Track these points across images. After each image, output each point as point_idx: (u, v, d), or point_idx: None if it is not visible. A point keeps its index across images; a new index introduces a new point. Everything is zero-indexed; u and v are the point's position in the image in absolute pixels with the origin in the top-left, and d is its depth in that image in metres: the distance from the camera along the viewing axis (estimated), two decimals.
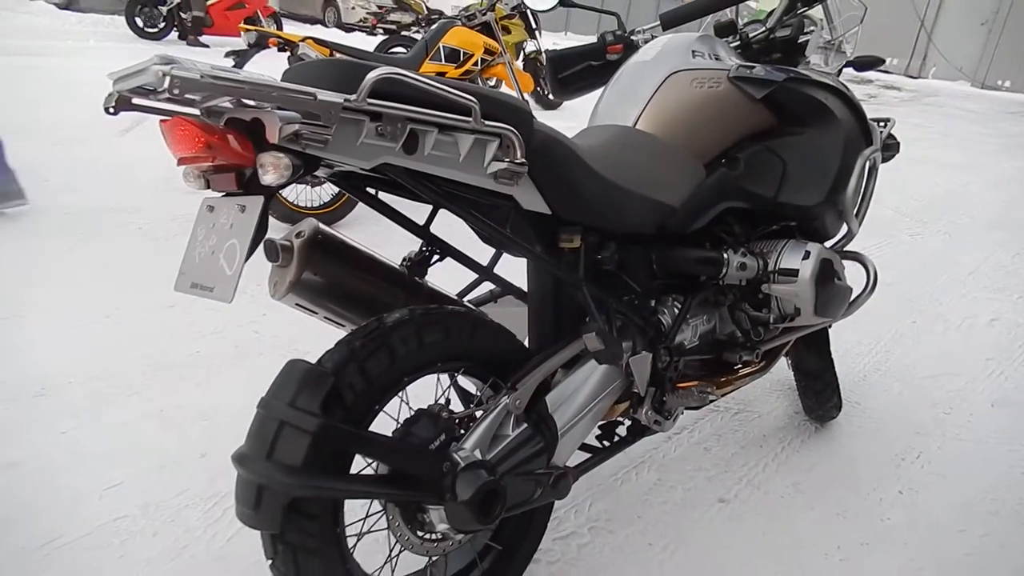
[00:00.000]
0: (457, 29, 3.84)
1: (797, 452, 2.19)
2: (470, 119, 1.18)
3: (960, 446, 2.28)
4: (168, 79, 0.95)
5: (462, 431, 1.36)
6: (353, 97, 1.08)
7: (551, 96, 2.11)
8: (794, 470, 2.10)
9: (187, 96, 1.05)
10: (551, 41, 8.88)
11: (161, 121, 1.15)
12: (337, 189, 3.68)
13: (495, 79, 4.14)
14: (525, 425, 1.39)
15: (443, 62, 3.92)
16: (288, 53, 3.42)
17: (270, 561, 1.26)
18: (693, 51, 1.73)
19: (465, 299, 1.71)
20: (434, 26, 3.93)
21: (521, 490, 1.36)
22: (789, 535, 1.83)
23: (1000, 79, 15.86)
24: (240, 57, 3.38)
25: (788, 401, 2.43)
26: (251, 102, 1.10)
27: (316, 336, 1.63)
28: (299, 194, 3.62)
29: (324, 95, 1.07)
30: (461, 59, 3.93)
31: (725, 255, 1.64)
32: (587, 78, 2.04)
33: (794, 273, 1.63)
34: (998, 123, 10.69)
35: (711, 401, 1.67)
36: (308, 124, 1.08)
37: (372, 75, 1.09)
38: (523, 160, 1.24)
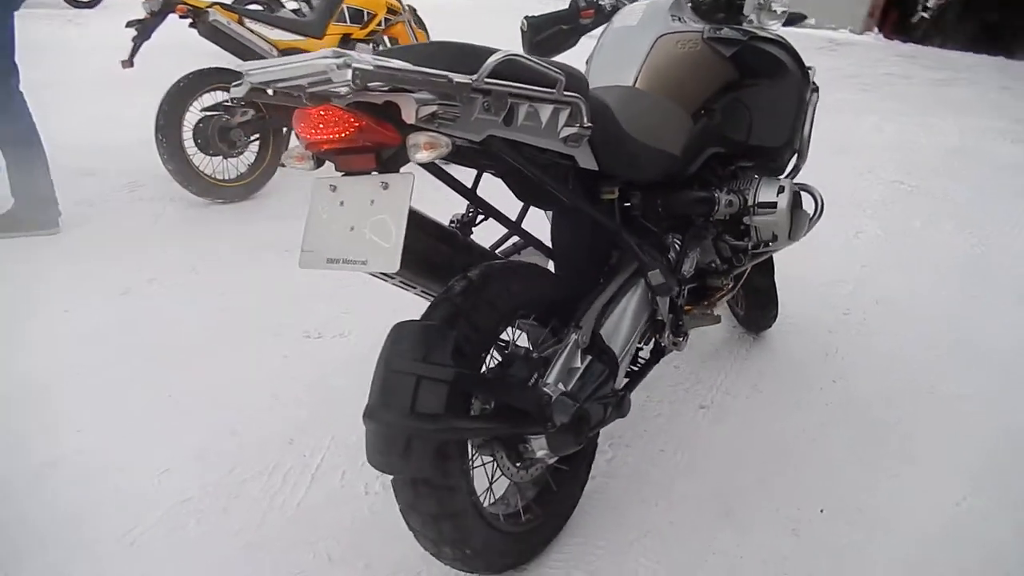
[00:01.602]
0: None
1: (747, 359, 2.53)
2: (554, 91, 1.34)
3: (864, 339, 2.71)
4: (351, 71, 1.04)
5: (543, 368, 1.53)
6: (475, 77, 1.20)
7: None
8: (750, 374, 2.44)
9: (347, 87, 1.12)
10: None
11: (299, 110, 1.21)
12: (254, 160, 3.60)
13: (394, 38, 4.13)
14: (590, 357, 1.58)
15: (348, 23, 3.88)
16: (190, 20, 3.27)
17: (408, 506, 1.39)
18: (671, 15, 1.94)
19: (496, 252, 1.86)
20: None
21: (597, 412, 1.56)
22: (762, 427, 2.16)
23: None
24: (143, 26, 3.19)
25: (723, 319, 2.78)
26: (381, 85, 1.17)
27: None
28: (216, 167, 3.52)
29: (457, 77, 1.18)
30: (365, 19, 3.90)
31: (716, 194, 1.89)
32: (558, 40, 2.19)
33: (772, 206, 1.92)
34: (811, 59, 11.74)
35: (716, 320, 1.95)
36: (443, 104, 1.19)
37: (494, 58, 1.22)
38: (589, 124, 1.41)
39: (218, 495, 1.80)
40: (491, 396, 1.44)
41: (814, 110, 2.08)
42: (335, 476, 1.88)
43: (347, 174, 1.32)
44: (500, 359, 1.54)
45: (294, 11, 4.47)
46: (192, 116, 3.34)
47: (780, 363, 2.53)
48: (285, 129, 3.61)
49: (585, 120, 1.40)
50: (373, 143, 1.21)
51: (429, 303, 1.43)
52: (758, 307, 2.55)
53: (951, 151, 5.21)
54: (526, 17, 2.14)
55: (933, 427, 2.18)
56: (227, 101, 3.39)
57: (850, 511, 1.83)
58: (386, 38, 4.07)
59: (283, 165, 1.43)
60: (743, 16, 2.10)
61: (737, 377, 2.43)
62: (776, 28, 2.07)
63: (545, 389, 1.47)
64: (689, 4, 2.07)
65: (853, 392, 2.36)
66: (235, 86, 1.26)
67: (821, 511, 1.84)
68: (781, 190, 1.93)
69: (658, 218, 1.87)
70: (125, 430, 2.02)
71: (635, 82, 1.87)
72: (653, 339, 1.88)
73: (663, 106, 1.82)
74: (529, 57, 1.29)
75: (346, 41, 3.82)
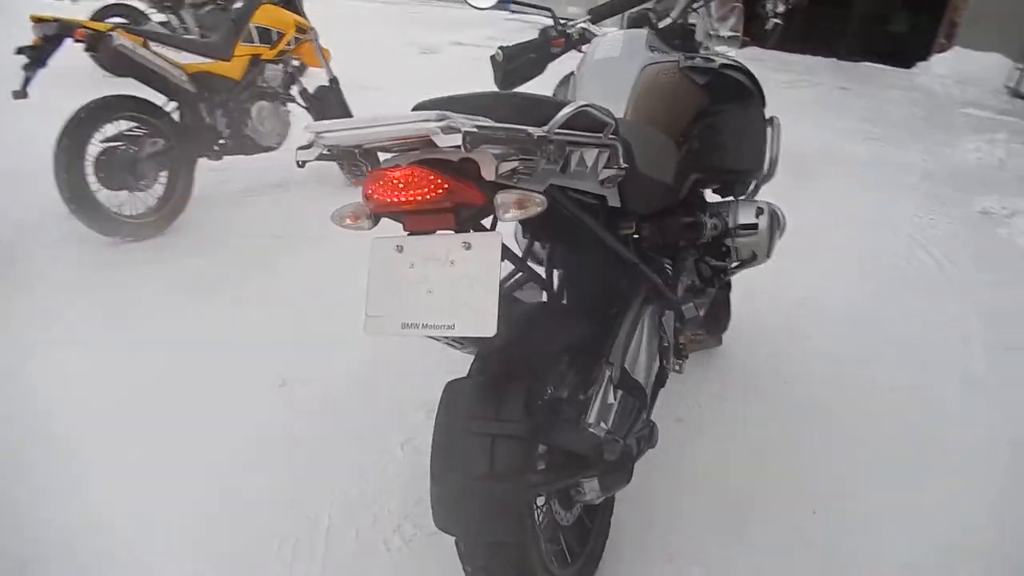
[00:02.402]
0: (266, 7, 3.60)
1: (707, 368, 2.62)
2: (602, 135, 1.33)
3: (799, 339, 2.88)
4: (461, 135, 0.99)
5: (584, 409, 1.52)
6: (548, 129, 1.18)
7: (498, 86, 2.20)
8: (712, 384, 2.52)
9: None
10: None
11: (375, 171, 1.13)
12: (163, 192, 3.33)
13: (301, 58, 3.95)
14: (621, 392, 1.58)
15: (257, 43, 3.67)
16: (87, 46, 2.96)
17: (480, 568, 1.34)
18: (649, 45, 1.97)
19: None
20: (239, 4, 3.63)
21: (635, 446, 1.56)
22: (740, 436, 2.25)
23: None
24: (36, 53, 2.85)
25: None
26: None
27: None
28: (123, 203, 3.21)
29: (534, 131, 1.15)
30: (274, 39, 3.70)
31: (702, 219, 1.95)
32: (527, 69, 2.18)
33: (754, 227, 2.00)
34: None
35: (718, 343, 2.01)
36: (523, 159, 1.15)
37: (569, 110, 1.21)
38: (625, 165, 1.41)
39: None
40: (559, 446, 1.41)
41: (779, 132, 2.17)
42: (349, 536, 1.78)
43: (411, 233, 1.25)
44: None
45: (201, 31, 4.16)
46: (94, 148, 3.03)
47: (734, 369, 2.63)
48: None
49: (621, 161, 1.40)
50: (456, 204, 1.15)
51: (476, 354, 1.38)
52: (716, 318, 2.65)
53: (816, 151, 5.57)
54: (501, 48, 2.11)
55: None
56: (131, 130, 3.11)
57: (840, 508, 1.94)
58: (294, 59, 3.88)
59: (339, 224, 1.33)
60: (697, 43, 2.18)
61: (701, 388, 2.50)
62: (732, 53, 2.16)
63: (592, 430, 1.46)
64: (656, 34, 2.12)
65: (805, 391, 2.50)
66: (303, 149, 1.17)
67: (813, 512, 1.94)
68: (760, 211, 2.01)
69: (656, 247, 1.90)
70: (98, 526, 1.81)
71: (625, 114, 1.89)
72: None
73: (658, 137, 1.85)
74: (592, 104, 1.28)
75: (255, 62, 3.60)
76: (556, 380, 1.50)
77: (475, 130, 1.02)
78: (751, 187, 2.25)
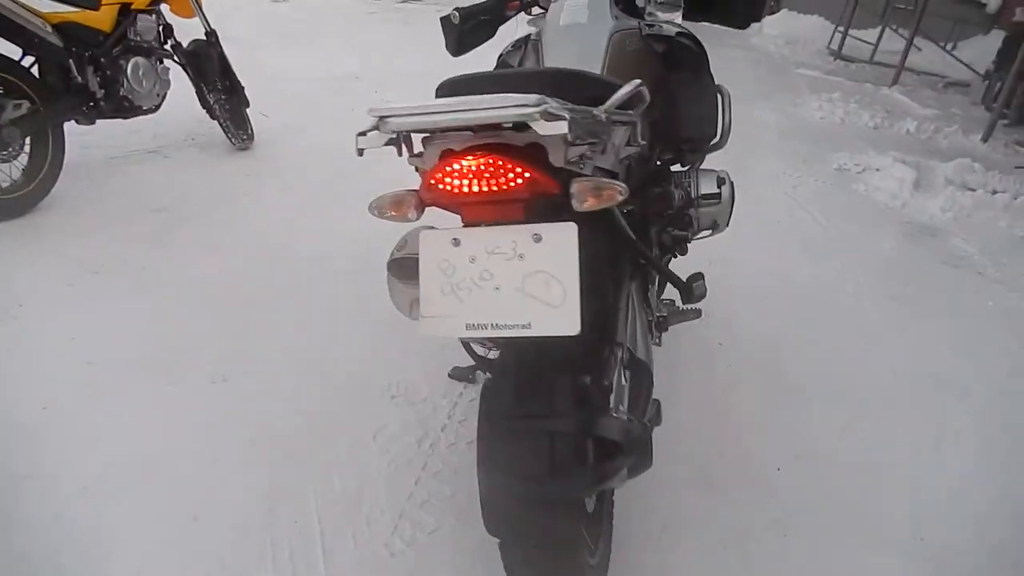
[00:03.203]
0: None
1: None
2: (633, 112, 1.29)
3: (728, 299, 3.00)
4: (567, 123, 0.92)
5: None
6: (606, 108, 1.12)
7: (451, 52, 2.05)
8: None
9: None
10: None
11: (444, 160, 1.01)
12: (28, 164, 2.87)
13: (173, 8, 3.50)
14: (629, 372, 1.56)
15: None
16: None
17: (536, 571, 1.28)
18: (612, 12, 1.91)
19: None
20: None
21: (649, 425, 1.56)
22: (709, 411, 2.30)
23: None
24: None
25: None
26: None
27: None
28: None
29: (599, 112, 1.09)
30: None
31: (670, 189, 1.95)
32: (480, 33, 2.05)
33: (716, 196, 2.02)
34: None
35: (697, 315, 2.03)
36: (589, 143, 1.08)
37: (628, 89, 1.14)
38: (643, 141, 1.38)
39: None
40: (599, 436, 1.36)
41: (729, 101, 2.20)
42: (346, 543, 1.65)
43: (466, 225, 1.14)
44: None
45: None
46: None
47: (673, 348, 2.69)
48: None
49: (640, 138, 1.37)
50: (532, 194, 1.06)
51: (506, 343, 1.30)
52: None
53: None
54: (457, 9, 1.96)
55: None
56: None
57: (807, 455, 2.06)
58: (164, 7, 3.42)
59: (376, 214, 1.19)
60: (640, 8, 2.15)
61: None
62: (677, 20, 2.16)
63: (618, 415, 1.43)
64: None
65: (734, 349, 2.61)
66: (364, 135, 1.01)
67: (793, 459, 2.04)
68: (722, 181, 2.03)
69: (632, 221, 1.87)
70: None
71: (604, 69, 1.83)
72: None
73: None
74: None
75: (125, 12, 3.13)
76: (586, 367, 1.45)
77: (577, 117, 0.94)
78: (701, 156, 2.28)
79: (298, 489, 1.78)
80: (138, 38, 3.20)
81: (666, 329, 1.96)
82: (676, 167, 2.18)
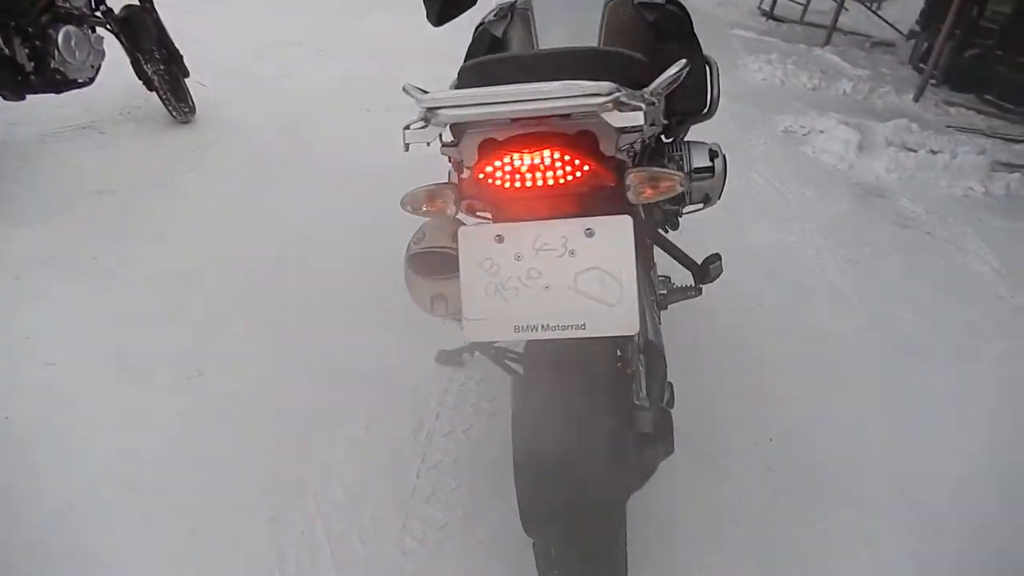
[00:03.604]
0: None
1: None
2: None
3: None
4: (643, 113, 0.86)
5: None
6: (651, 90, 1.07)
7: (431, 21, 1.92)
8: None
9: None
10: None
11: (495, 154, 0.93)
12: None
13: None
14: (644, 356, 1.53)
15: None
16: None
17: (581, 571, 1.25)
18: None
19: None
20: None
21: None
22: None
23: None
24: None
25: None
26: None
27: None
28: None
29: (648, 95, 1.03)
30: None
31: (665, 163, 1.90)
32: (459, 2, 1.94)
33: (710, 170, 1.98)
34: None
35: (698, 293, 2.00)
36: (639, 130, 1.03)
37: (674, 70, 1.09)
38: (665, 121, 1.32)
39: None
40: (643, 429, 1.31)
41: (718, 72, 2.15)
42: (355, 547, 1.59)
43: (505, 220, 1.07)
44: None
45: None
46: None
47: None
48: None
49: (661, 118, 1.32)
50: (592, 187, 0.99)
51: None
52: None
53: None
54: None
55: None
56: None
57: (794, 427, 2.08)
58: None
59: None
60: None
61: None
62: None
63: (641, 403, 1.39)
64: None
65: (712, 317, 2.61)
66: (413, 129, 0.92)
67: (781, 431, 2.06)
68: (715, 154, 1.99)
69: None
70: None
71: (600, 43, 1.76)
72: None
73: None
74: None
75: None
76: (617, 357, 1.40)
77: (650, 104, 0.88)
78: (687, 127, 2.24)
79: (294, 493, 1.69)
80: (67, 4, 2.91)
81: (665, 307, 1.93)
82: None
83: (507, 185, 1.01)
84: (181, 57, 3.52)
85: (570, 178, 0.99)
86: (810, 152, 4.47)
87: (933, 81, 6.25)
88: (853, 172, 4.21)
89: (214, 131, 3.71)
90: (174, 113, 3.55)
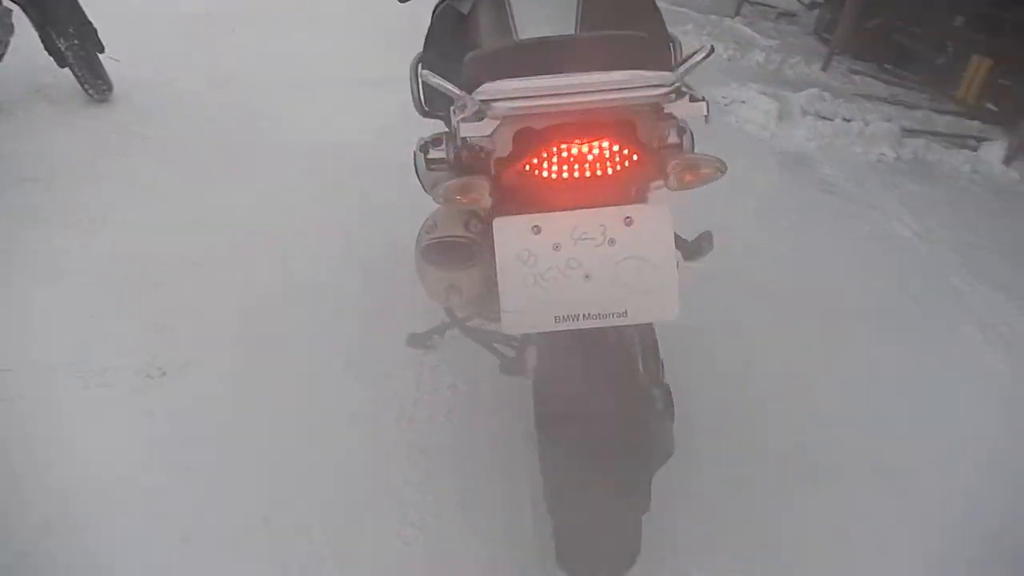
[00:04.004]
0: None
1: None
2: None
3: None
4: (705, 103, 0.87)
5: None
6: (680, 75, 1.08)
7: None
8: None
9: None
10: None
11: (551, 144, 0.91)
12: None
13: None
14: (638, 332, 1.55)
15: None
16: None
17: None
18: None
19: None
20: None
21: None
22: None
23: None
24: None
25: None
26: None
27: None
28: None
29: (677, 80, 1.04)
30: None
31: None
32: None
33: (678, 148, 2.01)
34: None
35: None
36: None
37: (701, 56, 1.10)
38: None
39: None
40: (659, 405, 1.32)
41: (680, 50, 2.16)
42: (357, 541, 1.55)
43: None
44: None
45: None
46: None
47: None
48: None
49: None
50: (639, 176, 0.99)
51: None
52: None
53: None
54: None
55: None
56: None
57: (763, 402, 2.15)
58: None
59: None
60: None
61: None
62: None
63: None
64: None
65: None
66: (468, 121, 0.89)
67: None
68: (683, 131, 2.02)
69: None
70: None
71: (576, 28, 1.75)
72: None
73: None
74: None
75: None
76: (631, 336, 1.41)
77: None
78: None
79: (287, 492, 1.64)
80: None
81: None
82: None
83: (554, 176, 0.99)
84: (95, 31, 3.26)
85: (619, 168, 0.98)
86: (734, 122, 4.59)
87: (837, 51, 6.52)
88: (775, 141, 4.36)
89: (134, 111, 3.47)
90: (90, 91, 3.29)
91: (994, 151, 4.16)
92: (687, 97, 1.01)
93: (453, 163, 2.07)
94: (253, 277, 2.36)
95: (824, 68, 6.07)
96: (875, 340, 2.46)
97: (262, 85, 3.91)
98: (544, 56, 1.07)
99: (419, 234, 1.30)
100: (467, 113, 0.93)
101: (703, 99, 0.89)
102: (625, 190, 1.07)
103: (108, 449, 1.68)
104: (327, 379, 1.97)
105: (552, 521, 1.39)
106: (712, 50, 1.17)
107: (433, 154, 2.09)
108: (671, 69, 1.07)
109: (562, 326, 1.04)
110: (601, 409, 1.14)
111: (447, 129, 2.23)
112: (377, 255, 2.62)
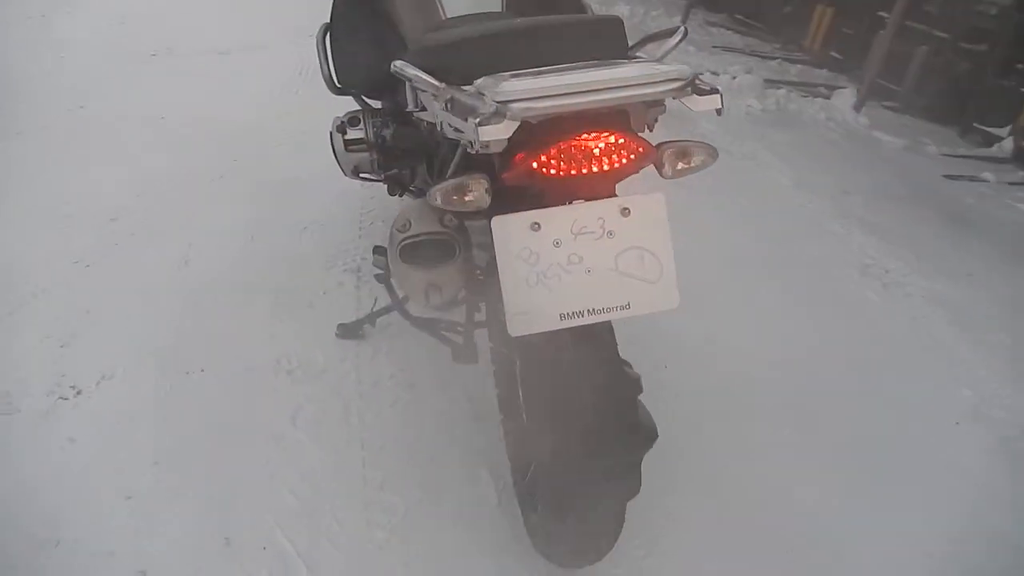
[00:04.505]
0: None
1: None
2: None
3: None
4: (720, 97, 0.88)
5: None
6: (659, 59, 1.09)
7: None
8: None
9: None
10: None
11: (567, 140, 0.89)
12: None
13: None
14: None
15: None
16: None
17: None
18: None
19: None
20: None
21: None
22: None
23: None
24: None
25: None
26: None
27: None
28: None
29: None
30: None
31: None
32: None
33: None
34: None
35: None
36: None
37: (677, 38, 1.12)
38: None
39: None
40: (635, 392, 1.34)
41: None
42: (326, 550, 1.49)
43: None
44: None
45: None
46: None
47: None
48: None
49: None
50: (639, 167, 0.98)
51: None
52: None
53: None
54: None
55: None
56: None
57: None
58: None
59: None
60: None
61: None
62: None
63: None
64: None
65: None
66: (488, 125, 0.83)
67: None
68: None
69: None
70: None
71: (503, 6, 1.69)
72: None
73: None
74: None
75: None
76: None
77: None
78: None
79: (244, 508, 1.54)
80: None
81: None
82: None
83: (562, 173, 0.96)
84: None
85: (625, 161, 0.97)
86: None
87: (694, 3, 6.74)
88: None
89: None
90: None
91: (845, 98, 4.47)
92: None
93: (374, 143, 1.98)
94: (149, 273, 2.17)
95: (683, 21, 6.26)
96: (766, 286, 2.58)
97: (122, 54, 3.55)
98: (534, 45, 1.03)
99: (391, 233, 1.23)
100: (486, 115, 0.87)
101: (717, 91, 0.89)
102: (617, 180, 1.06)
103: (32, 481, 1.51)
104: (259, 381, 1.87)
105: (531, 510, 1.39)
106: (686, 33, 1.18)
107: (351, 134, 1.99)
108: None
109: (567, 323, 1.02)
110: (592, 395, 1.14)
111: (359, 107, 2.12)
112: (280, 239, 2.48)
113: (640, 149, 0.97)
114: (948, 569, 1.55)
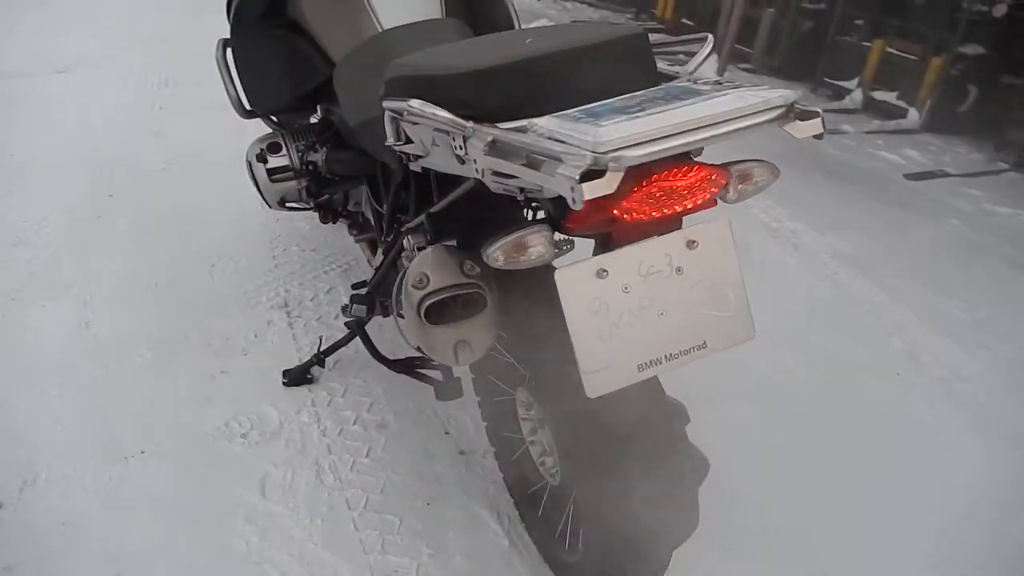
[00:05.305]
0: None
1: None
2: None
3: None
4: (821, 120, 0.82)
5: None
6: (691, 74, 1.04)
7: None
8: None
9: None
10: None
11: (649, 179, 0.77)
12: None
13: None
14: None
15: None
16: None
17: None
18: None
19: None
20: None
21: None
22: None
23: None
24: None
25: None
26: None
27: None
28: None
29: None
30: None
31: None
32: None
33: None
34: None
35: None
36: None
37: (707, 50, 1.06)
38: None
39: None
40: None
41: None
42: None
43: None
44: None
45: None
46: None
47: None
48: None
49: None
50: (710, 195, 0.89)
51: None
52: None
53: None
54: None
55: None
56: None
57: None
58: None
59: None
60: None
61: None
62: None
63: None
64: None
65: None
66: (590, 180, 0.69)
67: None
68: None
69: None
70: None
71: (443, 11, 1.55)
72: None
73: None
74: None
75: None
76: None
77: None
78: None
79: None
80: None
81: None
82: None
83: (644, 216, 0.84)
84: None
85: (707, 195, 0.87)
86: None
87: None
88: None
89: None
90: None
91: (709, 64, 4.61)
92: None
93: (301, 171, 1.76)
94: (47, 344, 1.84)
95: None
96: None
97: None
98: (574, 72, 0.89)
99: (404, 290, 1.06)
100: (579, 168, 0.73)
101: (818, 113, 0.79)
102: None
103: None
104: (210, 452, 1.62)
105: (567, 553, 1.30)
106: (713, 43, 1.10)
107: (274, 162, 1.76)
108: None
109: (646, 374, 0.92)
110: (646, 434, 1.06)
111: (271, 130, 1.88)
112: (187, 280, 2.20)
113: (722, 180, 0.88)
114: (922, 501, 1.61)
